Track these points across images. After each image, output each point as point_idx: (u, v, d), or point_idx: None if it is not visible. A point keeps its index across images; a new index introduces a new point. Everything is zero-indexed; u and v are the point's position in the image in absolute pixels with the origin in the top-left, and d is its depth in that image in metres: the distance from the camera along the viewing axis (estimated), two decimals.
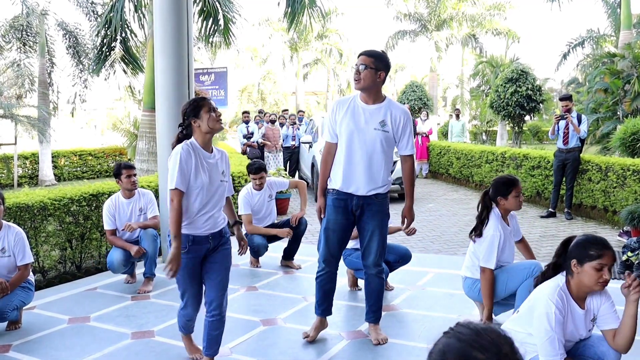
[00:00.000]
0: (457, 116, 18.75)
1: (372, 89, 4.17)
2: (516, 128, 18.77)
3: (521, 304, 3.48)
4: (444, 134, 21.73)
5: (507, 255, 4.49)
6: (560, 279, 3.11)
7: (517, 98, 17.33)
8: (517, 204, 4.45)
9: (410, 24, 33.25)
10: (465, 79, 34.22)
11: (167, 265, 3.52)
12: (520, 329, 3.13)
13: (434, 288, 5.71)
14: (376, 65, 4.12)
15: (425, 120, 17.07)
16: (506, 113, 17.86)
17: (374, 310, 4.42)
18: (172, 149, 3.67)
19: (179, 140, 3.71)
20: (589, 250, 2.96)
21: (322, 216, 4.35)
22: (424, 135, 16.62)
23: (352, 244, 5.36)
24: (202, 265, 3.79)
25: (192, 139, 3.70)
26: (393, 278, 5.67)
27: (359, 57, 4.18)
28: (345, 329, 4.67)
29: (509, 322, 3.30)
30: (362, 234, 4.32)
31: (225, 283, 3.82)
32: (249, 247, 6.50)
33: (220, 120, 3.74)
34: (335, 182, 4.26)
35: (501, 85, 17.88)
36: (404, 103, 21.63)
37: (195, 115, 3.69)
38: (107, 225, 5.90)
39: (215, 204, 3.74)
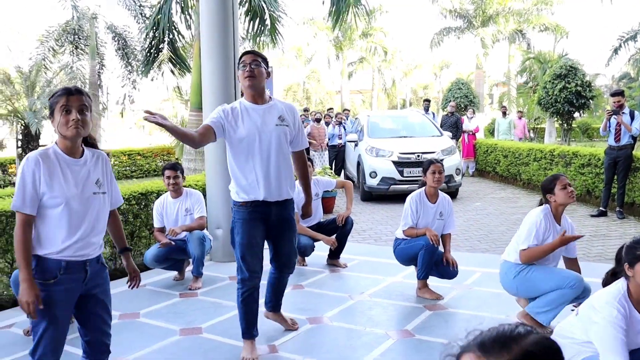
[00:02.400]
0: (504, 113, 18.50)
1: None
2: (565, 125, 18.41)
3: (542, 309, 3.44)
4: (491, 132, 21.46)
5: (552, 257, 4.41)
6: (622, 284, 2.96)
7: (566, 94, 17.00)
8: (566, 195, 4.33)
9: (456, 21, 33.02)
10: (512, 75, 33.71)
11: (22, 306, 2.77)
12: (578, 334, 3.05)
13: (481, 288, 5.65)
14: None
15: (472, 118, 16.89)
16: (554, 110, 17.55)
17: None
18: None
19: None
20: (636, 250, 2.88)
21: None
22: (471, 133, 16.45)
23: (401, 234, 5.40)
24: (79, 300, 2.99)
25: (55, 143, 2.94)
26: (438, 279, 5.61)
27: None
28: (392, 328, 4.66)
29: (566, 324, 3.23)
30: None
31: (109, 322, 3.11)
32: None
33: (80, 125, 2.82)
34: None
35: (549, 81, 17.56)
36: (450, 101, 21.42)
37: (51, 113, 2.90)
38: (155, 223, 6.06)
39: (92, 223, 2.92)
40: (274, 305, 4.59)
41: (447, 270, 5.38)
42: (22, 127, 15.42)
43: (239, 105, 4.02)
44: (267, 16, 11.75)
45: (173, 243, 5.87)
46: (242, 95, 4.22)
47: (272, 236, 4.22)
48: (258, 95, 4.03)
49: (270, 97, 4.12)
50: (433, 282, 5.50)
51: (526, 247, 4.30)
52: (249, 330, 4.14)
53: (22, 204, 2.77)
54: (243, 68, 3.95)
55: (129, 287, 3.32)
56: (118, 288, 5.94)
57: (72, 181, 2.85)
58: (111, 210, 3.14)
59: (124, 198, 6.41)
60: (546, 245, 4.29)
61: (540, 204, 4.53)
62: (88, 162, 2.95)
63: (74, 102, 2.82)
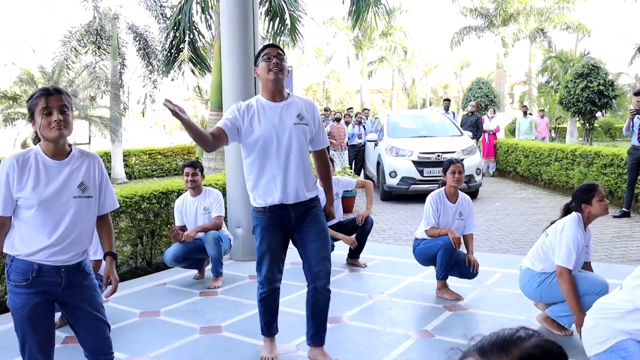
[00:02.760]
0: (525, 113, 18.36)
1: None
2: (587, 125, 18.22)
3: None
4: (512, 132, 21.32)
5: (577, 263, 4.36)
6: None
7: (588, 94, 16.84)
8: (602, 207, 4.23)
9: (476, 20, 32.82)
10: (533, 74, 33.47)
11: None
12: (622, 304, 3.07)
13: (502, 288, 5.61)
14: None
15: (492, 117, 16.80)
16: (576, 109, 17.38)
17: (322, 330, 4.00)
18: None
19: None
20: None
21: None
22: (491, 132, 16.36)
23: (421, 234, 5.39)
24: (64, 308, 2.94)
25: (39, 144, 2.86)
26: (458, 279, 5.58)
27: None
28: (411, 328, 4.64)
29: (606, 299, 3.28)
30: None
31: (102, 330, 2.97)
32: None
33: (62, 125, 2.74)
34: None
35: (571, 80, 17.40)
36: (470, 100, 21.32)
37: (31, 115, 2.81)
38: (176, 222, 6.11)
39: (69, 227, 2.81)
40: (314, 335, 3.98)
41: (468, 270, 5.35)
42: None
43: (255, 103, 3.78)
44: (287, 16, 11.77)
45: (183, 237, 5.78)
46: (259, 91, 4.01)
47: (297, 240, 3.94)
48: (278, 92, 3.77)
49: (288, 94, 3.87)
50: (453, 282, 5.48)
51: (570, 267, 4.15)
52: (268, 328, 4.07)
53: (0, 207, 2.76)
54: (267, 60, 3.67)
55: (103, 295, 3.10)
56: (139, 286, 6.01)
57: (48, 183, 2.77)
58: (102, 215, 3.04)
59: (144, 197, 6.53)
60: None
61: (567, 210, 4.43)
62: (72, 164, 2.84)
63: (54, 102, 2.74)
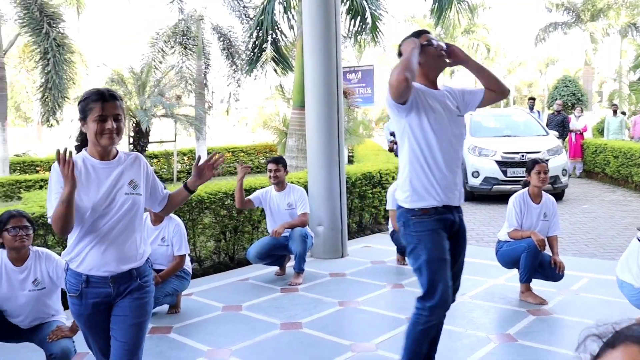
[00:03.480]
0: (615, 112, 17.67)
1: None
2: None
3: None
4: (600, 131, 20.57)
5: None
6: None
7: None
8: None
9: (563, 15, 31.77)
10: (623, 71, 32.16)
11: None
12: None
13: (589, 294, 5.43)
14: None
15: (580, 116, 16.24)
16: None
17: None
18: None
19: (78, 149, 2.86)
20: None
21: None
22: (578, 132, 15.82)
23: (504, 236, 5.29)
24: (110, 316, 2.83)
25: (84, 149, 2.81)
26: (542, 282, 5.43)
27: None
28: (493, 331, 4.56)
29: None
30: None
31: (135, 345, 2.77)
32: (396, 247, 6.55)
33: (115, 133, 2.69)
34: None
35: None
36: (556, 99, 20.70)
37: (84, 117, 2.72)
38: (251, 197, 6.18)
39: (122, 229, 2.74)
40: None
41: (553, 273, 5.21)
42: (134, 125, 16.16)
43: (417, 87, 3.26)
44: (367, 14, 11.76)
45: (279, 235, 5.90)
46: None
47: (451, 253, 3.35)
48: (433, 78, 3.38)
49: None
50: (536, 285, 5.33)
51: None
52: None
53: (51, 211, 2.67)
54: (440, 52, 3.31)
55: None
56: (222, 281, 6.15)
57: (99, 185, 2.71)
58: (166, 204, 3.01)
59: (227, 194, 6.68)
60: None
61: None
62: (121, 163, 2.78)
63: (110, 109, 2.67)
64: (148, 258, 2.89)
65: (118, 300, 2.76)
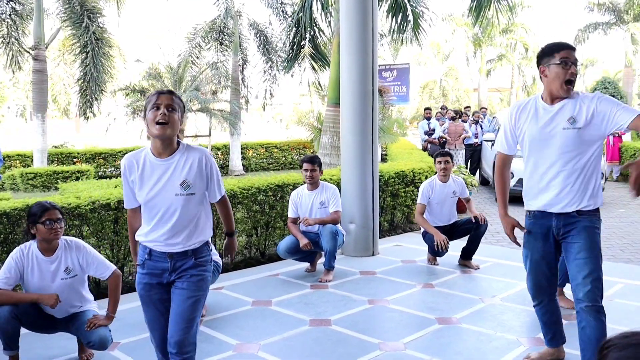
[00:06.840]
0: None
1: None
2: None
3: None
4: (638, 134, 20.15)
5: None
6: None
7: None
8: None
9: (603, 15, 31.12)
10: None
11: None
12: None
13: (623, 300, 5.32)
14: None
15: None
16: None
17: None
18: None
19: None
20: None
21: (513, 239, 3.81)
22: (616, 135, 15.52)
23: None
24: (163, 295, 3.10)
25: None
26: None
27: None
28: (523, 335, 4.50)
29: None
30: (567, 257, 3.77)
31: (187, 316, 2.98)
32: (427, 246, 6.52)
33: (165, 119, 2.87)
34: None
35: None
36: None
37: (145, 111, 3.00)
38: (289, 213, 6.20)
39: (169, 221, 2.97)
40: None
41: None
42: None
43: (535, 103, 3.56)
44: (409, 12, 11.65)
45: (311, 246, 5.94)
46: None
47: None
48: (555, 94, 3.47)
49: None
50: (570, 290, 5.24)
51: None
52: (545, 337, 3.97)
53: (125, 201, 3.13)
54: (564, 65, 3.37)
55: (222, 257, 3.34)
56: (253, 275, 6.19)
57: (151, 182, 2.96)
58: (216, 202, 3.19)
59: (260, 189, 6.71)
60: None
61: None
62: (176, 163, 2.95)
63: (164, 100, 2.90)
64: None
65: (176, 278, 3.03)
